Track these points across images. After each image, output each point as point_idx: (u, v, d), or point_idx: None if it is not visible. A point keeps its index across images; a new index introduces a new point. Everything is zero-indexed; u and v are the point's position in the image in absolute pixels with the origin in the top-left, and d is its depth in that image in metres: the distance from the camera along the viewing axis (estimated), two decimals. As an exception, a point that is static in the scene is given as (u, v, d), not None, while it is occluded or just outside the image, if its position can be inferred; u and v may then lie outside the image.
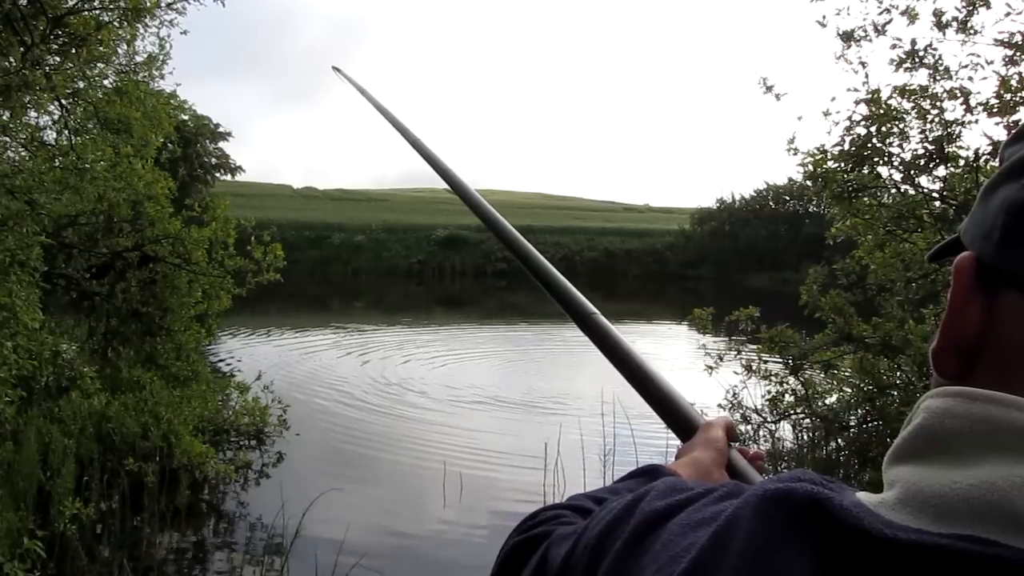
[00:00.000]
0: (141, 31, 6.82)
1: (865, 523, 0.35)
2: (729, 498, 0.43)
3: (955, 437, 0.37)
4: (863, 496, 0.38)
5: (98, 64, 6.60)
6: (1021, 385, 0.38)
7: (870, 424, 7.25)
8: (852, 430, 7.44)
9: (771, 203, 48.90)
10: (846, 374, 7.58)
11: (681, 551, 0.41)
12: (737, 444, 0.78)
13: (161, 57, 7.27)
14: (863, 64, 5.97)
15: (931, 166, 5.86)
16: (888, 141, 5.92)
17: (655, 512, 0.47)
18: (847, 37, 6.00)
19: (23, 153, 6.30)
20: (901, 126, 5.88)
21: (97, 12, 6.18)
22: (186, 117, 11.29)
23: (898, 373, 6.75)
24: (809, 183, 6.48)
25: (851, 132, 6.06)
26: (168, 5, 6.68)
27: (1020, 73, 5.49)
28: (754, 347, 7.70)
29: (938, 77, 5.74)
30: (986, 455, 0.35)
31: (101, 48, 6.32)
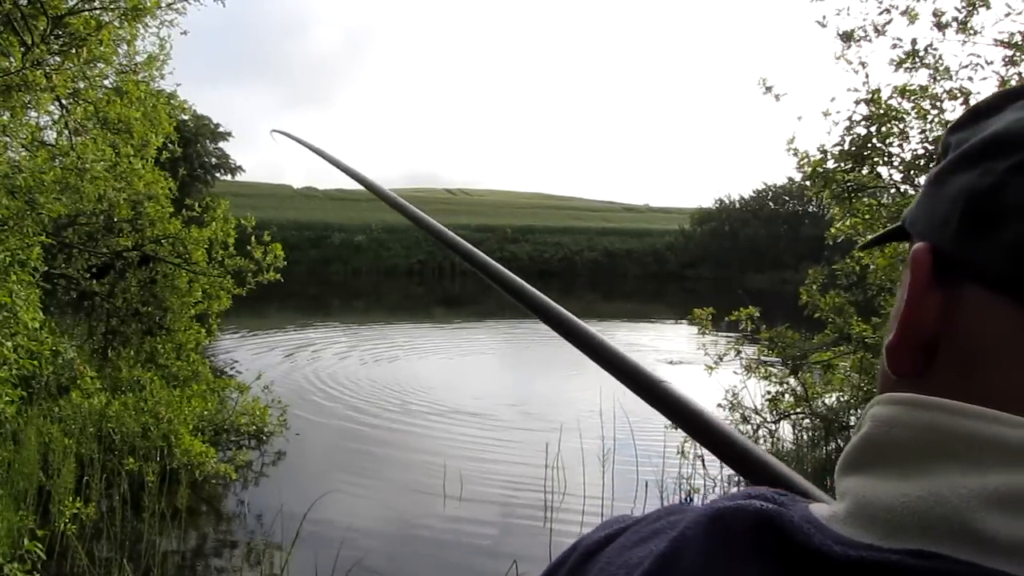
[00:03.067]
0: (141, 31, 6.82)
1: (815, 540, 0.34)
2: (671, 515, 0.42)
3: (902, 447, 0.36)
4: (816, 509, 0.37)
5: (98, 64, 6.60)
6: (982, 383, 0.37)
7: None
8: (852, 430, 7.44)
9: (770, 203, 48.94)
10: (846, 374, 7.58)
11: (622, 572, 0.40)
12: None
13: (161, 57, 7.28)
14: (863, 64, 5.98)
15: (931, 166, 5.84)
16: (888, 141, 5.92)
17: (593, 542, 0.45)
18: (847, 37, 6.00)
19: (23, 153, 6.30)
20: (901, 126, 5.88)
21: (97, 12, 6.18)
22: (186, 117, 11.28)
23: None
24: (809, 183, 6.49)
25: (851, 132, 6.07)
26: (168, 5, 6.69)
27: (1020, 73, 5.49)
28: (754, 347, 7.71)
29: (938, 77, 5.74)
30: (934, 465, 0.34)
31: (101, 48, 6.32)
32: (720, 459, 0.73)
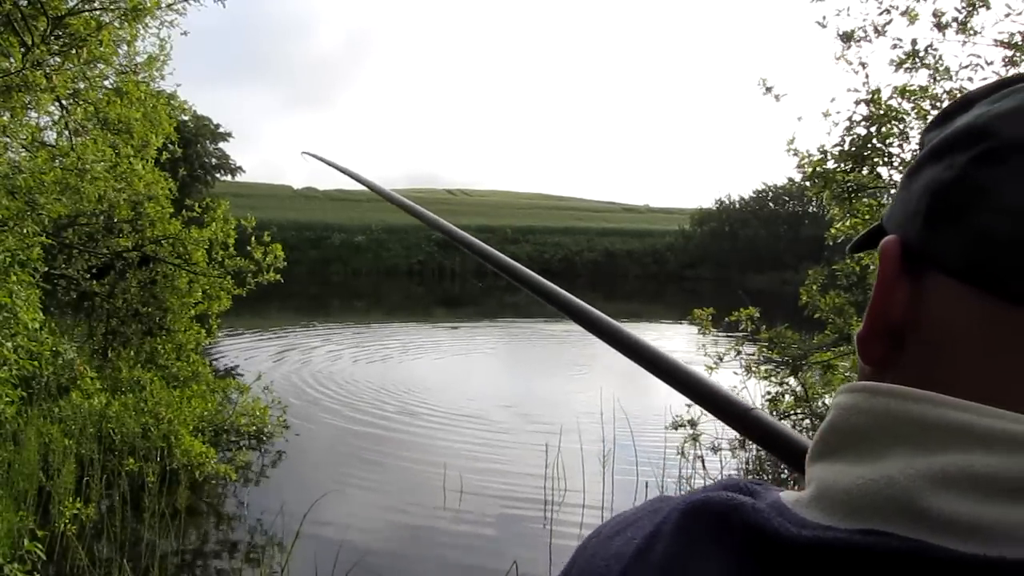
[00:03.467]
0: (141, 31, 6.83)
1: (773, 523, 0.35)
2: (653, 507, 0.43)
3: (860, 433, 0.37)
4: (784, 496, 0.39)
5: (98, 64, 6.61)
6: (946, 370, 0.38)
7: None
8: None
9: (770, 204, 48.95)
10: (846, 374, 7.58)
11: (601, 562, 0.42)
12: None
13: (161, 58, 7.29)
14: (863, 65, 5.97)
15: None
16: (888, 142, 5.92)
17: (580, 546, 0.47)
18: (847, 38, 6.00)
19: (23, 153, 6.30)
20: (901, 127, 5.88)
21: (97, 12, 6.18)
22: (186, 118, 11.29)
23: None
24: (809, 184, 6.49)
25: (851, 132, 6.06)
26: (168, 5, 6.69)
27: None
28: (754, 347, 7.71)
29: (938, 78, 5.74)
30: (888, 449, 0.36)
31: (101, 48, 6.32)
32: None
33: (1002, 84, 0.42)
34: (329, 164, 1.78)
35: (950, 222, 0.38)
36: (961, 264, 0.38)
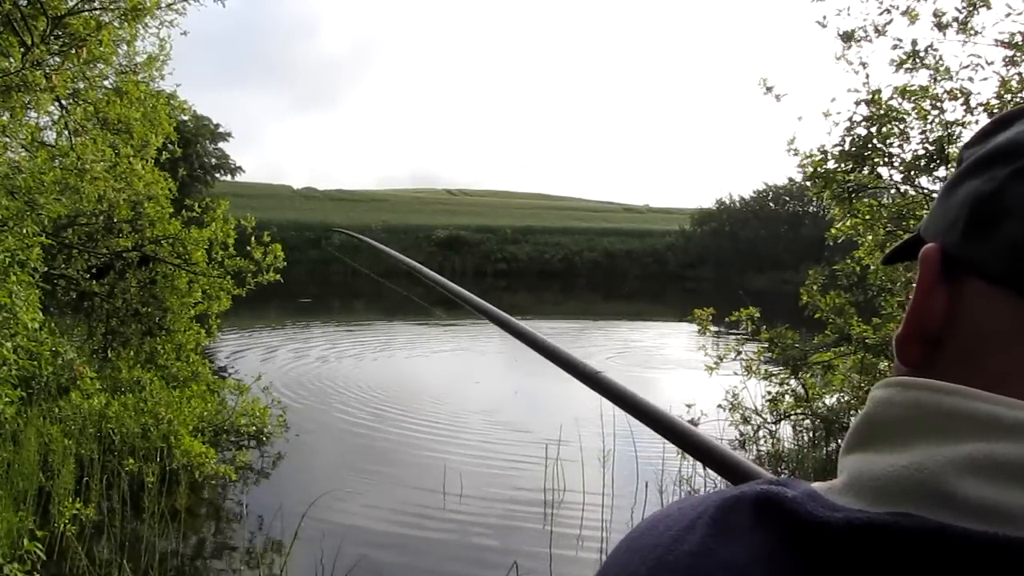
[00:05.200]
0: (141, 31, 6.83)
1: (807, 507, 0.37)
2: (689, 502, 0.45)
3: (893, 424, 0.39)
4: (817, 485, 0.41)
5: (98, 64, 6.61)
6: (981, 369, 0.40)
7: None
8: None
9: (771, 204, 48.94)
10: (846, 375, 7.58)
11: (636, 555, 0.43)
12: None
13: (161, 57, 7.29)
14: (863, 64, 5.97)
15: (931, 167, 5.86)
16: (888, 142, 5.92)
17: (617, 544, 0.48)
18: (847, 37, 6.00)
19: (23, 153, 6.30)
20: (901, 127, 5.88)
21: (97, 12, 6.18)
22: (186, 117, 11.30)
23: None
24: (809, 184, 6.48)
25: (851, 132, 6.06)
26: (168, 5, 6.69)
27: (1020, 74, 5.49)
28: (754, 348, 7.70)
29: (938, 78, 5.74)
30: (918, 438, 0.38)
31: (101, 48, 6.32)
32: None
33: None
34: (358, 238, 2.06)
35: (989, 231, 0.41)
36: (999, 271, 0.40)
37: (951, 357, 0.42)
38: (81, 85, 6.58)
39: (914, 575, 0.34)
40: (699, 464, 7.08)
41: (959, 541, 0.33)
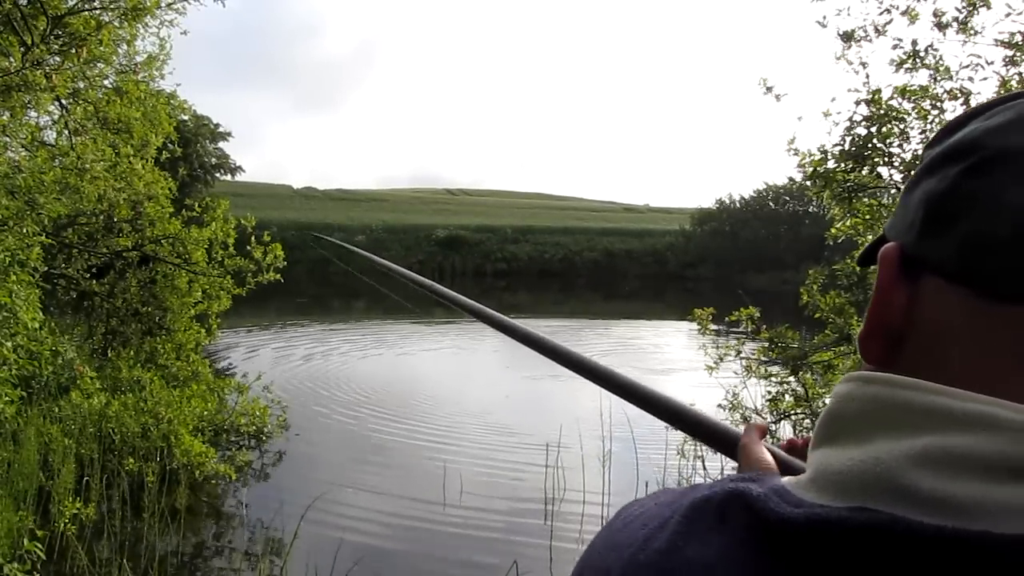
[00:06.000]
0: (141, 31, 6.83)
1: (771, 504, 0.38)
2: (662, 498, 0.46)
3: (853, 419, 0.40)
4: (786, 480, 0.41)
5: (98, 64, 6.61)
6: (939, 364, 0.41)
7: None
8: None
9: (771, 203, 48.93)
10: (846, 374, 7.57)
11: (611, 551, 0.44)
12: (775, 444, 0.78)
13: (161, 57, 7.29)
14: (863, 64, 5.97)
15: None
16: (888, 141, 5.91)
17: (591, 541, 0.50)
18: (847, 37, 5.99)
19: (23, 153, 6.30)
20: (902, 127, 5.87)
21: (97, 12, 6.18)
22: (186, 117, 11.29)
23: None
24: (809, 183, 6.48)
25: (851, 132, 6.06)
26: (168, 5, 6.69)
27: (1020, 73, 5.49)
28: (754, 347, 7.70)
29: (939, 78, 5.73)
30: (876, 433, 0.38)
31: (101, 48, 6.32)
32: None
33: (997, 102, 0.45)
34: (338, 244, 2.09)
35: (944, 228, 0.42)
36: (953, 267, 0.41)
37: (911, 353, 0.43)
38: (81, 85, 6.58)
39: (867, 569, 0.35)
40: (699, 464, 7.09)
41: (908, 534, 0.34)
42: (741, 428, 0.81)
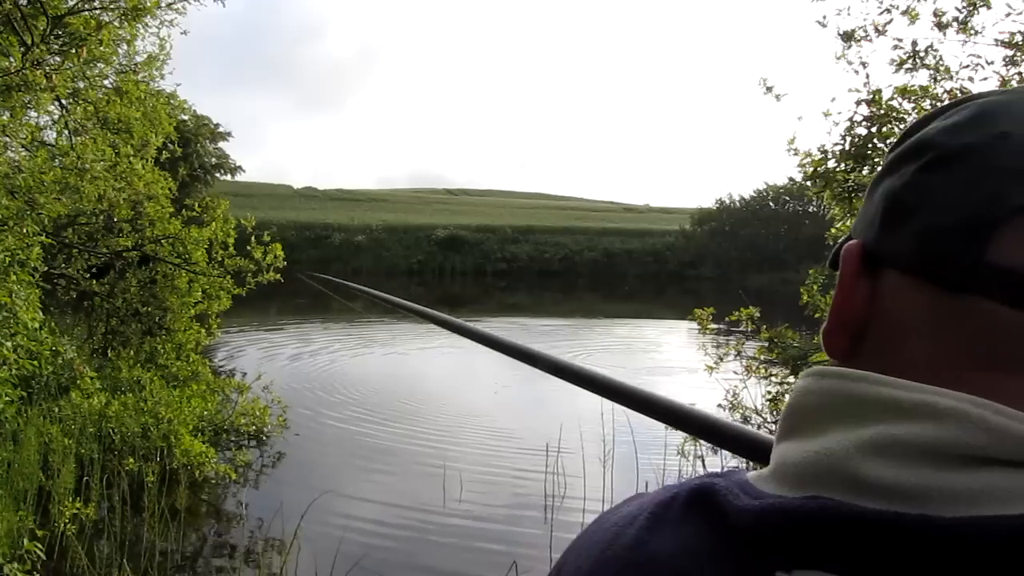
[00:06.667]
0: (141, 31, 6.83)
1: (730, 498, 0.40)
2: (635, 501, 0.48)
3: (809, 411, 0.42)
4: (751, 475, 0.43)
5: (98, 64, 6.61)
6: (897, 356, 0.43)
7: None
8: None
9: (771, 203, 48.93)
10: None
11: (583, 550, 0.46)
12: None
13: (161, 57, 7.29)
14: (864, 64, 5.96)
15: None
16: (889, 141, 5.91)
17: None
18: (847, 37, 5.99)
19: (23, 153, 6.30)
20: (902, 127, 5.87)
21: (97, 12, 6.18)
22: (185, 117, 11.29)
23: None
24: (809, 183, 6.48)
25: (852, 132, 6.06)
26: (168, 5, 6.69)
27: (1020, 73, 5.49)
28: (754, 347, 7.70)
29: (939, 78, 5.73)
30: (830, 424, 0.40)
31: (101, 48, 6.32)
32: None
33: (958, 102, 0.46)
34: (328, 280, 2.17)
35: (900, 223, 0.43)
36: (909, 260, 0.43)
37: (872, 346, 0.44)
38: (81, 85, 6.58)
39: (815, 554, 0.36)
40: (699, 464, 7.09)
41: (853, 520, 0.36)
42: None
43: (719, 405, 7.52)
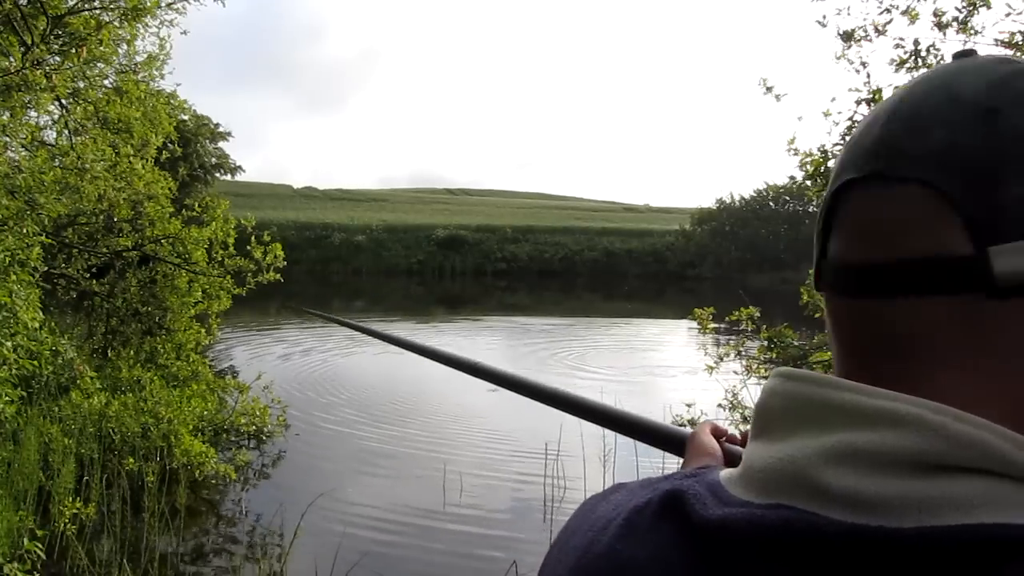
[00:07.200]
0: (141, 31, 6.83)
1: (697, 505, 0.40)
2: (615, 492, 0.49)
3: (776, 414, 0.42)
4: (723, 475, 0.44)
5: (98, 64, 6.61)
6: (839, 362, 0.45)
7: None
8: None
9: (771, 203, 48.92)
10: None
11: (560, 555, 0.47)
12: (725, 436, 0.79)
13: (161, 57, 7.29)
14: (864, 64, 5.96)
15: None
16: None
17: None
18: (847, 37, 5.99)
19: (23, 153, 6.30)
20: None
21: (97, 12, 6.18)
22: (185, 117, 11.29)
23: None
24: (809, 183, 6.48)
25: (852, 132, 6.05)
26: (168, 5, 6.69)
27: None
28: (754, 347, 7.70)
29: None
30: (795, 429, 0.40)
31: (101, 48, 6.32)
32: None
33: None
34: (313, 314, 2.20)
35: (825, 248, 0.46)
36: (829, 284, 0.46)
37: (834, 354, 0.47)
38: (81, 84, 6.58)
39: (779, 565, 0.36)
40: (699, 464, 7.08)
41: (814, 531, 0.36)
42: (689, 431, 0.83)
43: (719, 405, 7.51)
